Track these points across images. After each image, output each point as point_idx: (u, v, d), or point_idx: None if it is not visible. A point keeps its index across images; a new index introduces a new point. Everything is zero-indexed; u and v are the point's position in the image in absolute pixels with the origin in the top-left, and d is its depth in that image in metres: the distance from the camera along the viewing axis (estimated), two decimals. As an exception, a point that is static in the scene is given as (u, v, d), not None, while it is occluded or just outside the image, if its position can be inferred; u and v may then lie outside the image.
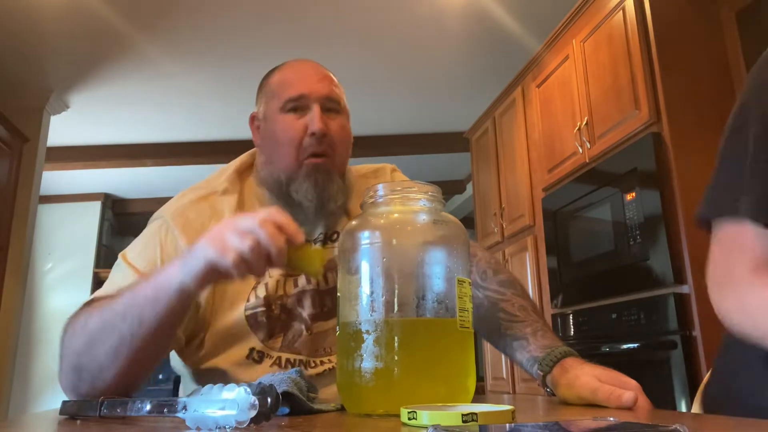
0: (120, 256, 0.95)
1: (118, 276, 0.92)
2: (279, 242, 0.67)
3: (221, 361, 0.93)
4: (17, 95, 3.76)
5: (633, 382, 0.71)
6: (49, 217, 5.64)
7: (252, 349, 0.93)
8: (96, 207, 5.88)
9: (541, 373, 0.80)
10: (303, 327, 0.96)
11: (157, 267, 0.91)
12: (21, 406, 4.95)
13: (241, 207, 1.01)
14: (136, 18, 3.17)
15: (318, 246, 0.70)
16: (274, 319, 0.94)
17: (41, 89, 3.83)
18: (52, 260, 5.71)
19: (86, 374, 0.77)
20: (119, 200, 6.09)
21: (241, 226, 0.68)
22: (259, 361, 0.93)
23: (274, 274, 0.96)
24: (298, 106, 0.98)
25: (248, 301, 0.94)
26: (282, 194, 0.98)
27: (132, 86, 3.87)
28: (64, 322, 0.87)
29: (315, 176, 0.96)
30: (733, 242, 0.70)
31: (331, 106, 1.00)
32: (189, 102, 4.10)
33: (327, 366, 0.95)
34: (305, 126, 0.96)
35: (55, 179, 5.24)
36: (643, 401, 0.69)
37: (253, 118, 1.08)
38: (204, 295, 0.92)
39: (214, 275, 0.69)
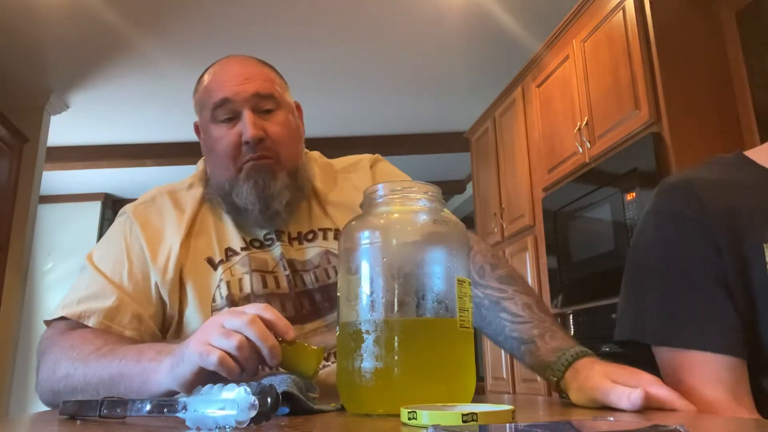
0: (86, 258, 0.94)
1: (84, 280, 0.91)
2: (270, 341, 0.63)
3: None
4: (17, 95, 3.76)
5: (649, 377, 0.66)
6: (49, 217, 5.64)
7: None
8: (96, 207, 5.88)
9: (555, 380, 0.75)
10: None
11: (123, 266, 0.91)
12: (21, 406, 4.95)
13: (206, 199, 1.00)
14: (136, 18, 3.17)
15: (313, 346, 0.66)
16: None
17: (41, 89, 3.83)
18: (52, 260, 5.72)
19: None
20: (119, 200, 6.09)
21: (228, 324, 0.64)
22: None
23: (236, 273, 0.93)
24: (228, 116, 0.94)
25: (215, 301, 0.91)
26: (229, 202, 0.96)
27: (132, 86, 3.87)
28: (41, 343, 0.87)
29: (255, 177, 0.93)
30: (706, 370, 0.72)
31: (265, 105, 0.95)
32: (189, 102, 4.04)
33: None
34: (239, 134, 0.92)
35: (55, 179, 5.24)
36: (665, 392, 0.64)
37: (196, 128, 1.05)
38: (170, 296, 0.91)
39: (204, 377, 0.64)
